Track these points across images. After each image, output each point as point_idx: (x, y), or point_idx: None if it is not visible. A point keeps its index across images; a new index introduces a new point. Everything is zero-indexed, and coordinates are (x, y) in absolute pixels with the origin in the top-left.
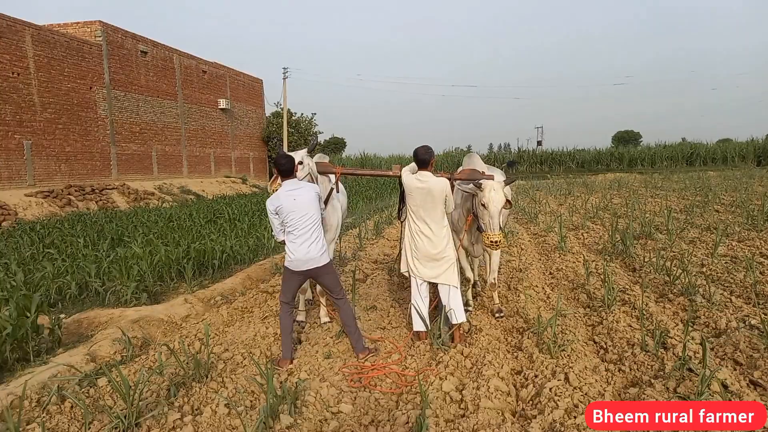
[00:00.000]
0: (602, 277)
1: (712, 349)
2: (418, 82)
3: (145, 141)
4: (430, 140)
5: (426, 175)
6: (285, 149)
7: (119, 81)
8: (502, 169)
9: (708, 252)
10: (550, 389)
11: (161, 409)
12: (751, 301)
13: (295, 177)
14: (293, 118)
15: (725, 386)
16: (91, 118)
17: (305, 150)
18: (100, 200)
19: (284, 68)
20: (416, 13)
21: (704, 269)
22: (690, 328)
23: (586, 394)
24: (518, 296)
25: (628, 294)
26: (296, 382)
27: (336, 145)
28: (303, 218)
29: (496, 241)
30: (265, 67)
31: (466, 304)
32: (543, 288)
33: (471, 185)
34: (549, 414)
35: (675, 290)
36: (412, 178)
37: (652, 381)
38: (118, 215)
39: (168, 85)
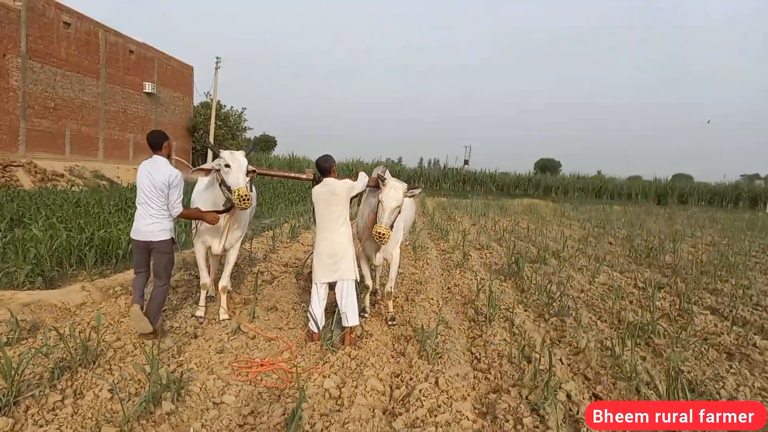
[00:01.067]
0: (488, 294)
1: (569, 364)
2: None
3: (59, 118)
4: (365, 148)
5: (330, 180)
6: (211, 141)
7: (37, 51)
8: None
9: (589, 279)
10: (420, 390)
11: (43, 390)
12: (614, 326)
13: (160, 156)
14: (223, 110)
15: (569, 396)
16: (1, 87)
17: (240, 152)
18: (3, 177)
19: (217, 57)
20: (355, 22)
21: (582, 294)
22: (554, 346)
23: (450, 396)
24: (413, 307)
25: (511, 311)
26: (182, 372)
27: (266, 143)
28: (149, 194)
29: (381, 233)
30: (197, 55)
31: (362, 310)
32: (437, 301)
33: (377, 178)
34: (413, 412)
35: (551, 311)
36: (318, 186)
37: (510, 389)
38: (21, 194)
39: (90, 62)
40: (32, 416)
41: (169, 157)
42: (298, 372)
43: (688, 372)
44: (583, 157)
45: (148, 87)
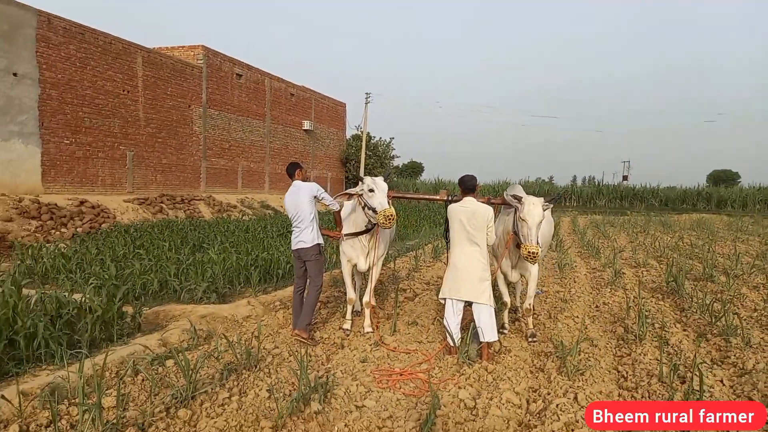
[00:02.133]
0: (638, 311)
1: (731, 386)
2: (495, 109)
3: (232, 157)
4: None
5: (470, 201)
6: (362, 171)
7: (215, 101)
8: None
9: (764, 298)
10: (557, 405)
11: (214, 388)
12: None
13: (297, 180)
14: (372, 141)
15: None
16: (187, 133)
17: (379, 177)
18: (188, 209)
19: (367, 93)
20: (495, 41)
21: (755, 314)
22: (716, 366)
23: (577, 402)
24: (556, 324)
25: (666, 330)
26: (329, 378)
27: (413, 170)
28: (297, 212)
29: (533, 252)
30: (348, 92)
31: (501, 326)
32: (583, 319)
33: (514, 201)
34: (549, 425)
35: (714, 331)
36: (457, 204)
37: None
38: (201, 224)
39: (258, 106)
40: (206, 409)
41: (304, 181)
42: (433, 381)
43: None
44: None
45: (306, 125)
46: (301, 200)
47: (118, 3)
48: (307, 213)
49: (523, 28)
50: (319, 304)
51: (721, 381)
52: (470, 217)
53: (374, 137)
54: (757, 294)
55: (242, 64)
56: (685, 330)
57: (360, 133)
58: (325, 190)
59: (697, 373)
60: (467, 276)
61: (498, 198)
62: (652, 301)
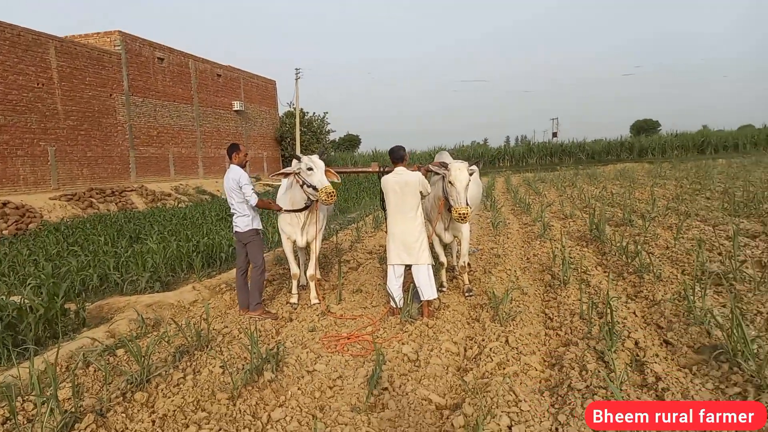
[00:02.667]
0: (555, 257)
1: (642, 316)
2: (427, 76)
3: (162, 144)
4: (447, 135)
5: (401, 170)
6: (298, 148)
7: (137, 87)
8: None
9: (674, 236)
10: (490, 349)
11: (167, 370)
12: (696, 278)
13: (232, 164)
14: (306, 117)
15: (637, 344)
16: (111, 123)
17: (315, 155)
18: (120, 202)
19: (296, 69)
20: (421, 29)
21: (667, 251)
22: (630, 301)
23: (520, 352)
24: (490, 278)
25: (588, 274)
26: (279, 348)
27: (350, 143)
28: (229, 195)
29: (464, 214)
30: (277, 68)
31: (440, 285)
32: (515, 271)
33: (441, 169)
34: (483, 366)
35: (630, 270)
36: (389, 175)
37: (578, 341)
38: (136, 216)
39: (184, 90)
40: (161, 390)
41: (242, 164)
42: (377, 341)
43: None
44: (686, 114)
45: (237, 105)
46: (228, 187)
47: None
48: (235, 200)
49: None
50: (265, 282)
51: (634, 312)
52: (403, 186)
53: (308, 113)
54: (669, 233)
55: (163, 47)
56: (605, 272)
57: (293, 110)
58: (263, 169)
59: (613, 307)
60: (405, 241)
61: (433, 164)
62: (576, 249)
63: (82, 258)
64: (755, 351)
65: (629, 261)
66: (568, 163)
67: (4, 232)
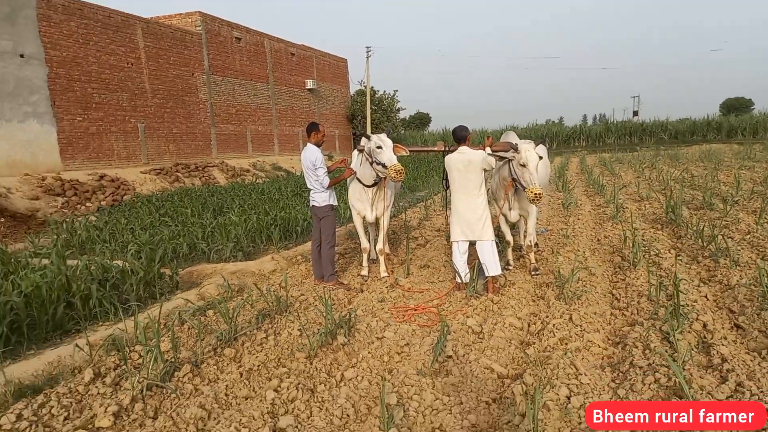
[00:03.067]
0: (626, 240)
1: (715, 300)
2: (498, 54)
3: (240, 122)
4: (520, 113)
5: (464, 149)
6: (368, 126)
7: (217, 66)
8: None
9: (756, 220)
10: (553, 325)
11: (251, 330)
12: None
13: (310, 143)
14: (376, 95)
15: (705, 326)
16: (193, 102)
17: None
18: (203, 177)
19: (367, 47)
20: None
21: (748, 236)
22: (703, 285)
23: (583, 329)
24: (558, 258)
25: (660, 257)
26: (351, 315)
27: (421, 121)
28: (306, 173)
29: (539, 194)
30: (349, 47)
31: (506, 263)
32: (584, 252)
33: (510, 152)
34: (545, 341)
35: (705, 254)
36: (453, 154)
37: (644, 321)
38: (218, 190)
39: (260, 69)
40: (247, 348)
41: (319, 144)
42: (443, 313)
43: None
44: None
45: (310, 84)
46: (305, 165)
47: None
48: (309, 177)
49: None
50: (337, 255)
51: (706, 296)
52: (467, 164)
53: (378, 91)
54: (753, 218)
55: (240, 27)
56: (679, 255)
57: (364, 88)
58: (335, 147)
59: (684, 290)
60: (470, 218)
61: (498, 145)
62: (650, 232)
63: (173, 228)
64: None
65: (705, 245)
66: (648, 144)
67: (102, 203)
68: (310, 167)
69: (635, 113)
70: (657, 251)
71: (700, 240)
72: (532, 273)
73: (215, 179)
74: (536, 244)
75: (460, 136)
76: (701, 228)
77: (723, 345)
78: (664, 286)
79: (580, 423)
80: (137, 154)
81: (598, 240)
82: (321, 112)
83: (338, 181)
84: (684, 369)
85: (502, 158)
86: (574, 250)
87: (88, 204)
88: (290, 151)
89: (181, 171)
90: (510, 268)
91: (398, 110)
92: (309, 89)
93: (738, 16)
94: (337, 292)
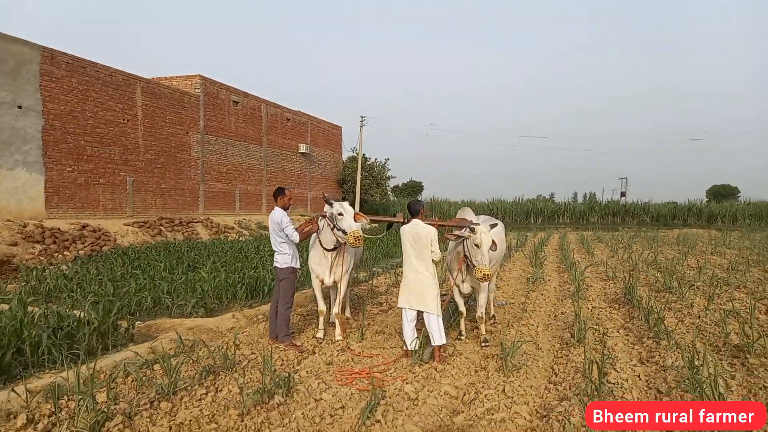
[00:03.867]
0: (577, 317)
1: (647, 380)
2: (488, 132)
3: (230, 180)
4: (509, 189)
5: (417, 222)
6: (358, 192)
7: (212, 127)
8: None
9: (705, 306)
10: (485, 395)
11: (192, 385)
12: (716, 349)
13: (276, 206)
14: (367, 162)
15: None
16: (185, 159)
17: (345, 202)
18: (186, 231)
19: (362, 116)
20: (484, 68)
21: (698, 320)
22: (640, 365)
23: (513, 401)
24: (510, 331)
25: (607, 336)
26: (291, 375)
27: (413, 189)
28: (271, 234)
29: (487, 275)
30: (345, 116)
31: (459, 333)
32: (537, 327)
33: (466, 230)
34: (473, 410)
35: (651, 334)
36: (406, 226)
37: (573, 397)
38: (198, 245)
39: (254, 131)
40: (184, 403)
41: (286, 207)
42: (386, 379)
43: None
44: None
45: (303, 148)
46: (271, 228)
47: (117, 35)
48: (275, 239)
49: (508, 51)
50: (299, 317)
51: (639, 376)
52: (415, 237)
53: (369, 158)
54: (707, 302)
55: (238, 92)
56: (627, 335)
57: (356, 154)
58: (323, 210)
59: (616, 369)
60: (416, 288)
61: (453, 220)
62: (607, 311)
63: (141, 281)
64: None
65: (651, 326)
66: (631, 225)
67: (80, 252)
68: (277, 228)
69: (623, 194)
70: (606, 330)
71: (647, 321)
72: (482, 344)
73: (198, 235)
74: (493, 316)
75: (413, 210)
76: (649, 309)
77: None
78: (591, 362)
79: None
80: (123, 206)
81: (555, 316)
82: (312, 176)
83: (307, 234)
84: None
85: (458, 237)
86: (528, 324)
87: (66, 252)
88: None
89: (165, 225)
90: (462, 338)
91: (388, 177)
92: (302, 153)
93: (713, 109)
94: (288, 352)
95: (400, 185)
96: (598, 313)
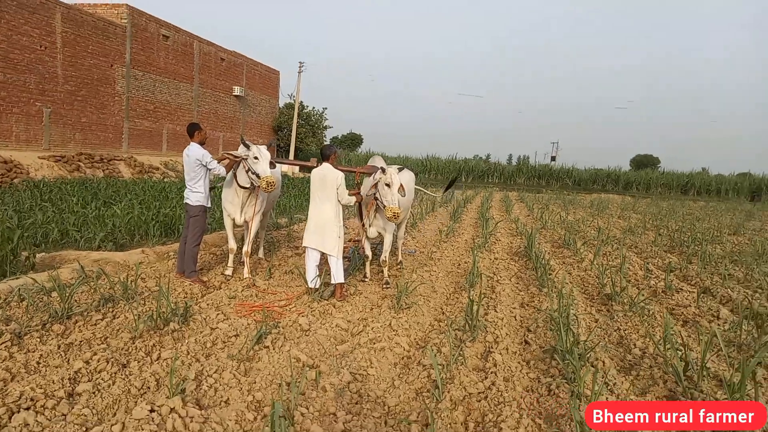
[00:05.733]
0: (474, 265)
1: (521, 320)
2: (427, 88)
3: (157, 119)
4: (447, 147)
5: (326, 166)
6: (293, 139)
7: (139, 61)
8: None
9: (591, 260)
10: (372, 328)
11: (89, 311)
12: (590, 297)
13: (193, 142)
14: (305, 110)
15: (496, 338)
16: (108, 93)
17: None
18: (107, 169)
19: (300, 62)
20: (430, 31)
21: (583, 273)
22: (521, 308)
23: (396, 333)
24: (412, 275)
25: (499, 283)
26: (188, 305)
27: (353, 141)
28: (186, 170)
29: (396, 213)
30: (284, 61)
31: (364, 275)
32: (438, 273)
33: (377, 173)
34: (357, 339)
35: (537, 283)
36: (315, 169)
37: (449, 331)
38: (117, 183)
39: (186, 69)
40: (78, 326)
41: (202, 143)
42: (284, 313)
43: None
44: (688, 154)
45: (237, 90)
46: (187, 162)
47: None
48: (190, 175)
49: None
50: (211, 255)
51: (515, 317)
52: (323, 179)
53: (307, 106)
54: (595, 257)
55: (170, 26)
56: (517, 283)
57: (293, 101)
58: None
59: (496, 310)
60: (320, 229)
61: (365, 167)
62: (507, 262)
63: (49, 213)
64: (576, 351)
65: (539, 276)
66: (554, 188)
67: None
68: (194, 164)
69: (553, 158)
70: (500, 278)
71: (538, 271)
72: (384, 286)
73: (120, 173)
74: (401, 263)
75: (324, 154)
76: (545, 261)
77: (500, 354)
78: (470, 302)
79: (351, 402)
80: (38, 139)
81: (459, 265)
82: (246, 120)
83: (230, 165)
84: (452, 370)
85: (368, 176)
86: (431, 270)
87: None
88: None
89: (84, 161)
90: (366, 280)
91: (325, 127)
92: (236, 95)
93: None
94: (194, 287)
95: (339, 137)
96: (498, 264)
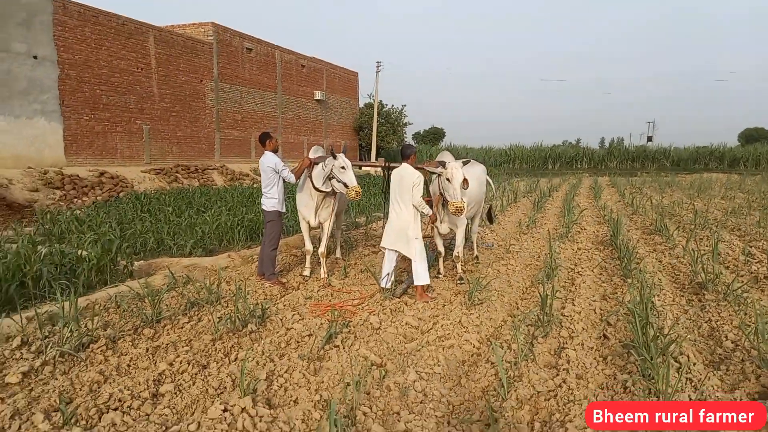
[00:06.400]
0: (550, 256)
1: (601, 313)
2: (506, 74)
3: (245, 128)
4: (536, 133)
5: (404, 166)
6: (374, 138)
7: (226, 75)
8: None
9: (695, 247)
10: (441, 325)
11: (176, 315)
12: (679, 286)
13: (267, 150)
14: (384, 109)
15: (571, 333)
16: (200, 107)
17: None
18: (202, 178)
19: (377, 62)
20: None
21: (676, 260)
22: (602, 301)
23: (466, 330)
24: (488, 270)
25: (580, 274)
26: (265, 307)
27: (435, 135)
28: (262, 180)
29: (459, 207)
30: (365, 62)
31: (437, 272)
32: (516, 267)
33: (439, 168)
34: (426, 337)
35: (621, 273)
36: (397, 168)
37: (522, 326)
38: (210, 192)
39: (269, 78)
40: (167, 330)
41: (275, 150)
42: (357, 312)
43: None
44: None
45: (318, 95)
46: (263, 170)
47: None
48: (265, 182)
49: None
50: (292, 257)
51: (594, 310)
52: (400, 180)
53: (387, 105)
54: (687, 243)
55: (252, 39)
56: (600, 274)
57: (372, 101)
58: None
59: (574, 303)
60: (398, 230)
61: (431, 163)
62: (591, 252)
63: (147, 223)
64: (654, 347)
65: (623, 266)
66: (650, 170)
67: (98, 197)
68: (269, 171)
69: (649, 138)
70: (580, 269)
71: (622, 260)
72: (457, 282)
73: (213, 181)
74: (476, 257)
75: (403, 154)
76: (631, 249)
77: (573, 350)
78: (544, 297)
79: (416, 401)
80: (140, 154)
81: (538, 257)
82: (328, 123)
83: (300, 173)
84: (521, 367)
85: (433, 173)
86: (508, 264)
87: (84, 198)
88: (293, 158)
89: (181, 172)
90: (440, 276)
91: (405, 124)
92: (317, 100)
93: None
94: (273, 288)
95: (421, 132)
96: (581, 254)
